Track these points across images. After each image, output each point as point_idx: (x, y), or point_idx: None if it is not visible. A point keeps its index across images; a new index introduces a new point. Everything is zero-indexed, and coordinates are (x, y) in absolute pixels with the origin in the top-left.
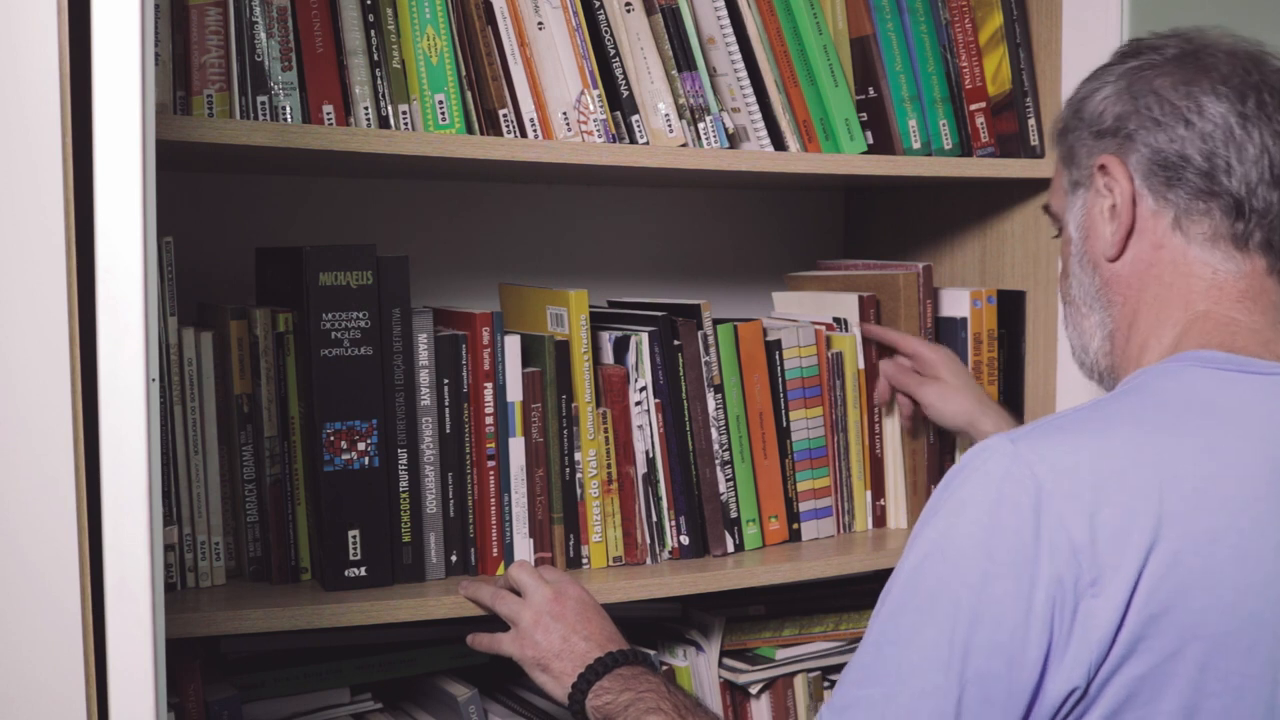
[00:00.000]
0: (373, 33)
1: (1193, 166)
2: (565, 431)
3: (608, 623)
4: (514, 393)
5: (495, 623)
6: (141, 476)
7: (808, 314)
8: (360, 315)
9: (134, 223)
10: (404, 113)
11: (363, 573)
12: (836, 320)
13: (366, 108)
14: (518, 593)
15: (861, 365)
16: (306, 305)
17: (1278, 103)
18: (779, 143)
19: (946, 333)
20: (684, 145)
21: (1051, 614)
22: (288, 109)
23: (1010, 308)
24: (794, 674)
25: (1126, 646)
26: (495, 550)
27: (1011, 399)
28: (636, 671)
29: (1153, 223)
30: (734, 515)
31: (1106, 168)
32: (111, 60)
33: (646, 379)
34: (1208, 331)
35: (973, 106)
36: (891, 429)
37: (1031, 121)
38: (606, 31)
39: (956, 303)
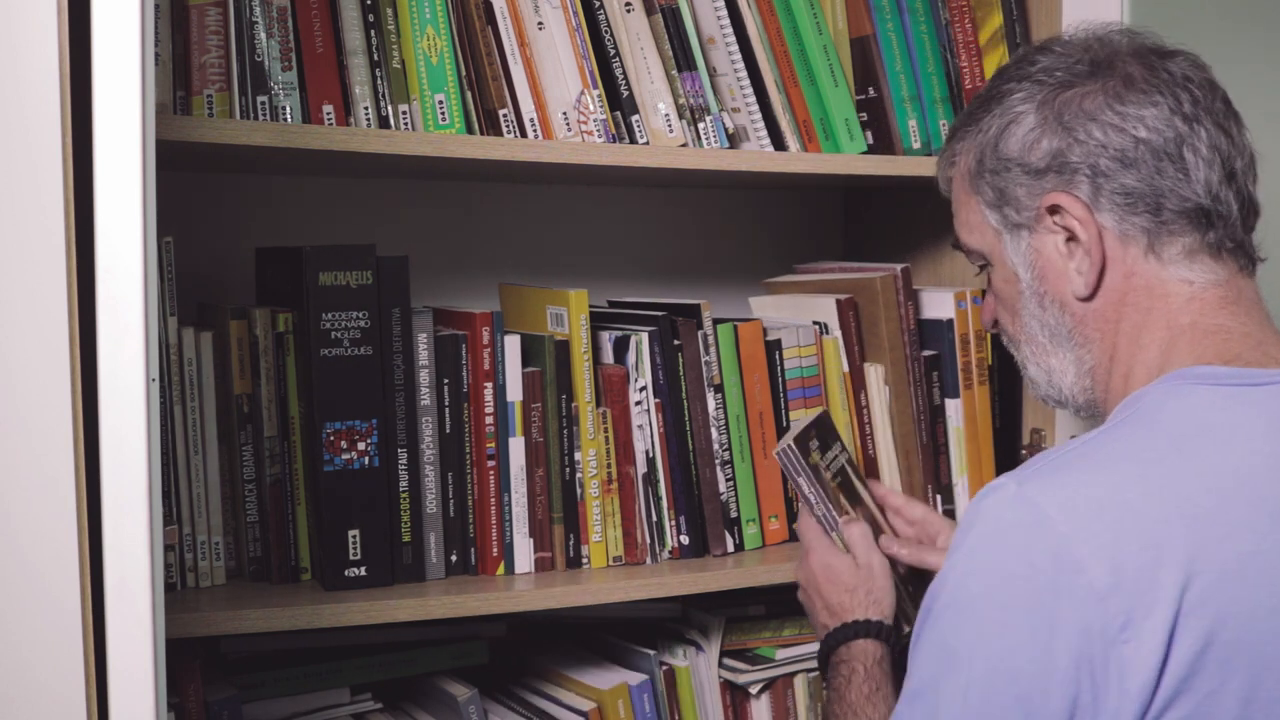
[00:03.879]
0: (373, 33)
1: (1152, 187)
2: (565, 431)
3: (842, 594)
4: (514, 392)
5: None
6: (141, 476)
7: (785, 319)
8: (360, 315)
9: (134, 223)
10: (404, 113)
11: (363, 573)
12: (816, 324)
13: (366, 108)
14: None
15: (846, 368)
16: (306, 305)
17: (1202, 92)
18: (779, 143)
19: (932, 335)
20: (684, 145)
21: (1076, 664)
22: (288, 109)
23: None
24: (794, 674)
25: (1171, 690)
26: (495, 550)
27: (1006, 399)
28: (847, 656)
29: (1122, 253)
30: (734, 515)
31: (1061, 207)
32: (111, 60)
33: (646, 379)
34: (1198, 343)
35: None
36: (882, 429)
37: None
38: (606, 31)
39: (940, 304)
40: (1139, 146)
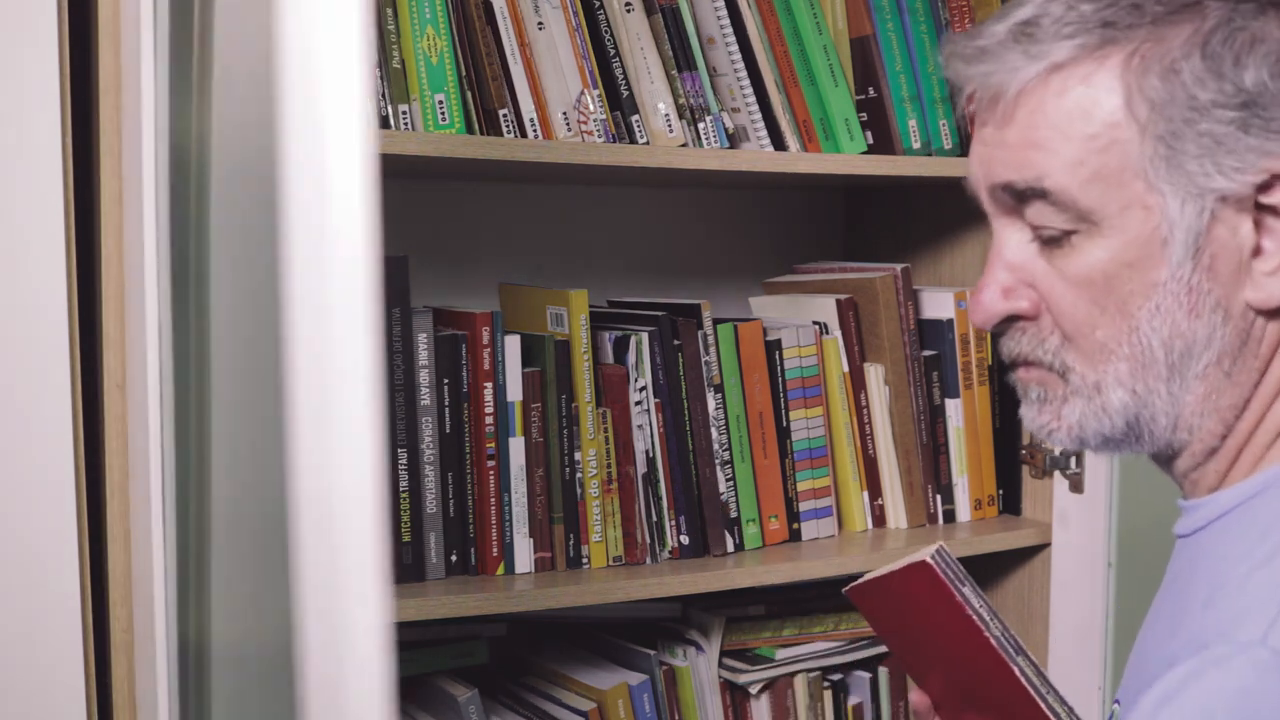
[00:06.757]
0: (373, 33)
1: None
2: (565, 431)
3: None
4: (514, 392)
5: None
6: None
7: (785, 319)
8: None
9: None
10: (404, 113)
11: None
12: (816, 324)
13: None
14: None
15: (846, 368)
16: None
17: None
18: (779, 143)
19: (931, 335)
20: (684, 145)
21: None
22: None
23: None
24: (794, 674)
25: None
26: (495, 550)
27: (1006, 399)
28: None
29: None
30: (734, 515)
31: None
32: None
33: (646, 379)
34: None
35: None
36: (882, 429)
37: None
38: (606, 31)
39: (939, 304)
40: None
